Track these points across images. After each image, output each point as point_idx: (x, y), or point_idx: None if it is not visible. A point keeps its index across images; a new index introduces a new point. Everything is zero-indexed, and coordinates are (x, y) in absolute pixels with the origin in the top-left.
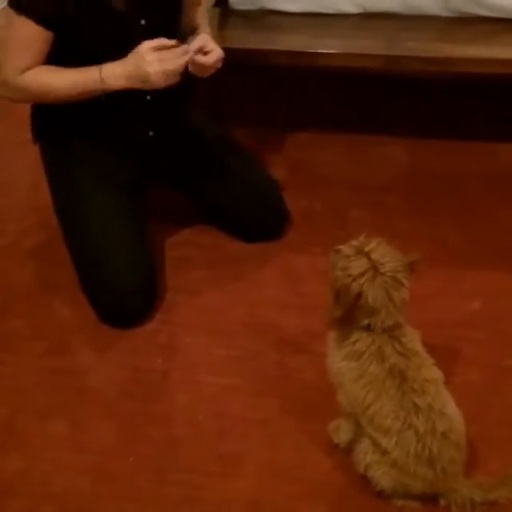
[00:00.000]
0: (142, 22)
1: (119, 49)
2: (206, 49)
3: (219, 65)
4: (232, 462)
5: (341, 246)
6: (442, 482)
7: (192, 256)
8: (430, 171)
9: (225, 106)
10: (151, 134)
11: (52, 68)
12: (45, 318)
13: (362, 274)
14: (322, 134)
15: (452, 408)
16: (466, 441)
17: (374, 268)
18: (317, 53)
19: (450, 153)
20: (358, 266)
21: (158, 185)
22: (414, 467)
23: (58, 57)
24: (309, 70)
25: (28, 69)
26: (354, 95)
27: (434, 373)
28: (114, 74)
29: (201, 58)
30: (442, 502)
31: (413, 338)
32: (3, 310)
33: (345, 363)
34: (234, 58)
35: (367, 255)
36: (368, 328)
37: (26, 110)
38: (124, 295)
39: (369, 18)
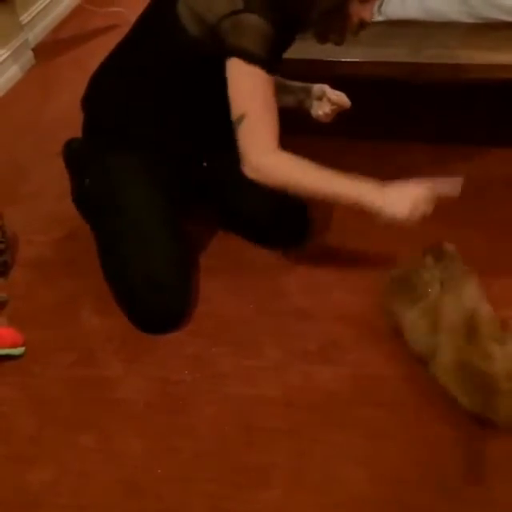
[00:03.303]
0: None
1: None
2: (327, 93)
3: None
4: (259, 474)
5: None
6: None
7: (215, 266)
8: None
9: None
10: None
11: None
12: (72, 330)
13: None
14: (345, 142)
15: None
16: None
17: None
18: (340, 62)
19: (474, 158)
20: None
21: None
22: None
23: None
24: (332, 78)
25: (276, 137)
26: (376, 102)
27: None
28: (393, 207)
29: (342, 98)
30: None
31: None
32: (31, 321)
33: None
34: None
35: None
36: None
37: (52, 122)
38: (163, 286)
39: (391, 26)
